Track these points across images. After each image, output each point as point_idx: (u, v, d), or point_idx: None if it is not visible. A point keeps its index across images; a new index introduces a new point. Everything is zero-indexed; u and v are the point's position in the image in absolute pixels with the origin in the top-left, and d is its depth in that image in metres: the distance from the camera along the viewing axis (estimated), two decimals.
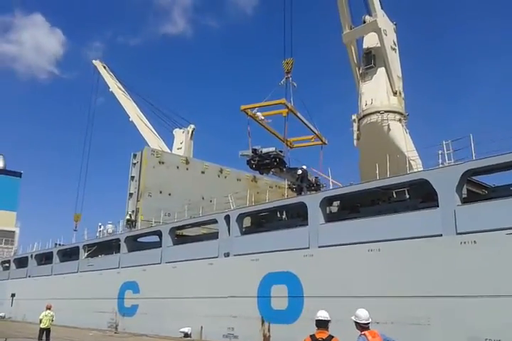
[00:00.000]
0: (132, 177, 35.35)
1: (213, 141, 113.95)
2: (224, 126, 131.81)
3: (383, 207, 20.06)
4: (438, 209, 16.11)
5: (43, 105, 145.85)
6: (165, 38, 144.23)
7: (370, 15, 30.62)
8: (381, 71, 30.73)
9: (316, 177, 26.77)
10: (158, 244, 29.53)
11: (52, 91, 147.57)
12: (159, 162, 36.00)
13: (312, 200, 20.59)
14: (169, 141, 46.05)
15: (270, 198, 25.17)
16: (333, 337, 6.80)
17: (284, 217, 25.87)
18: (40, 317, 20.59)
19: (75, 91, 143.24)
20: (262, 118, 26.54)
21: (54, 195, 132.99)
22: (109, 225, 36.89)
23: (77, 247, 36.39)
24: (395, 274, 16.58)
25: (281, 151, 25.43)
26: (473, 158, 16.03)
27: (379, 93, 30.20)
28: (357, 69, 32.44)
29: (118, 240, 32.22)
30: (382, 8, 30.80)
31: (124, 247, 31.27)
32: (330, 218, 20.57)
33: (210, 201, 28.26)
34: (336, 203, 23.14)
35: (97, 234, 36.65)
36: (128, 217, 33.25)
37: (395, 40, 31.80)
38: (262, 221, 26.86)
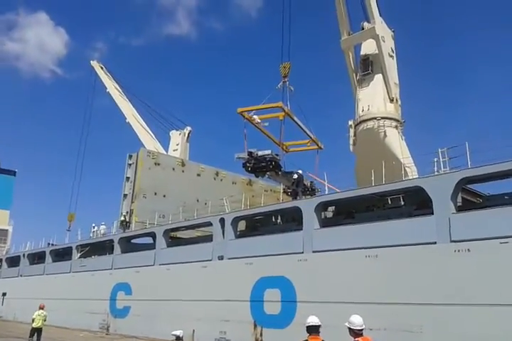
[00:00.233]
0: (127, 178, 35.25)
1: (209, 144, 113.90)
2: (220, 129, 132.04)
3: (378, 214, 20.15)
4: (433, 217, 16.18)
5: (43, 104, 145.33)
6: (168, 39, 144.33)
7: (369, 21, 30.79)
8: (378, 77, 30.86)
9: (312, 182, 26.84)
10: (151, 246, 29.45)
11: (54, 90, 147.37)
12: (155, 163, 35.94)
13: (307, 205, 20.63)
14: (165, 142, 46.07)
15: (265, 202, 25.15)
16: None
17: (278, 221, 25.93)
18: (33, 316, 20.55)
19: (76, 91, 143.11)
20: (259, 121, 26.56)
21: (48, 194, 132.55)
22: (102, 226, 36.78)
23: (70, 247, 36.24)
24: (389, 281, 16.62)
25: (277, 155, 25.47)
26: (469, 166, 16.14)
27: (376, 99, 30.32)
28: (354, 75, 32.55)
29: (111, 241, 32.14)
30: (380, 15, 30.97)
31: (117, 248, 31.17)
32: (325, 223, 20.60)
33: (205, 204, 28.24)
34: (331, 208, 23.23)
35: (91, 235, 36.54)
36: (122, 218, 33.14)
37: (393, 47, 31.96)
38: (256, 225, 26.88)
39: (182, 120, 47.23)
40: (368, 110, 30.25)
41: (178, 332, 23.17)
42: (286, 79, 27.24)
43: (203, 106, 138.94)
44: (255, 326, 20.54)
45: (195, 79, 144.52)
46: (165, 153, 42.95)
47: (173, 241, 29.67)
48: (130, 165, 35.48)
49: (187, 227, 29.09)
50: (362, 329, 7.04)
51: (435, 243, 15.77)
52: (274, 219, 26.08)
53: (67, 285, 34.45)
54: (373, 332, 13.51)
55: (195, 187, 36.54)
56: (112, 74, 50.73)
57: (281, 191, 26.49)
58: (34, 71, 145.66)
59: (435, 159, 17.60)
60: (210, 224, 25.31)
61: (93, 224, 37.23)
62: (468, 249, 14.88)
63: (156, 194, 34.93)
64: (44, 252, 39.55)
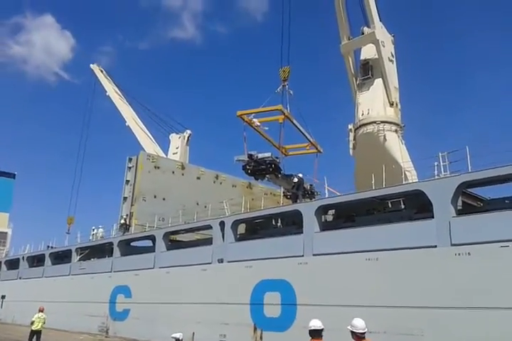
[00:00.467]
0: (127, 182, 35.29)
1: (209, 147, 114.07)
2: (220, 133, 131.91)
3: (378, 217, 20.19)
4: (433, 220, 16.24)
5: (46, 107, 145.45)
6: (173, 43, 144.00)
7: (369, 26, 30.96)
8: (378, 82, 31.00)
9: (311, 185, 26.85)
10: (151, 249, 29.46)
11: (58, 93, 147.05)
12: (155, 167, 35.99)
13: (307, 208, 20.68)
14: (165, 145, 46.19)
15: (265, 205, 25.22)
16: None
17: (279, 224, 25.94)
18: (33, 319, 20.55)
19: (78, 94, 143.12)
20: (258, 124, 26.56)
21: (48, 197, 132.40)
22: (100, 229, 36.75)
23: (70, 250, 36.22)
24: (389, 284, 16.66)
25: (277, 157, 25.49)
26: (469, 170, 16.21)
27: (375, 104, 30.45)
28: (354, 79, 32.69)
29: (111, 244, 32.12)
30: (380, 20, 31.14)
31: (116, 251, 31.14)
32: (325, 226, 20.65)
33: (205, 207, 28.26)
34: (331, 212, 23.26)
35: (90, 238, 36.52)
36: (123, 221, 33.15)
37: (393, 52, 32.12)
38: (256, 228, 26.89)
39: (182, 123, 47.38)
40: (368, 114, 30.38)
41: (178, 335, 22.79)
42: (285, 83, 27.26)
43: (203, 109, 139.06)
44: (255, 329, 20.53)
45: (196, 82, 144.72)
46: (165, 156, 43.06)
47: (173, 244, 29.62)
48: (130, 168, 35.54)
49: (187, 230, 29.11)
50: (364, 333, 7.06)
51: (435, 246, 15.82)
52: (274, 223, 26.09)
53: (67, 288, 34.38)
54: (373, 335, 13.44)
55: (195, 190, 36.59)
56: (111, 77, 51.01)
57: (281, 194, 26.50)
58: (40, 74, 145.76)
59: (436, 163, 17.69)
60: (209, 227, 25.32)
61: (93, 227, 37.21)
62: (469, 253, 14.92)
63: (155, 197, 34.96)
64: (43, 255, 39.49)
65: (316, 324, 7.15)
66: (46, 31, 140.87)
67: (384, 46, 30.52)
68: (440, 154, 17.70)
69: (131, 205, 34.15)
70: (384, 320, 15.95)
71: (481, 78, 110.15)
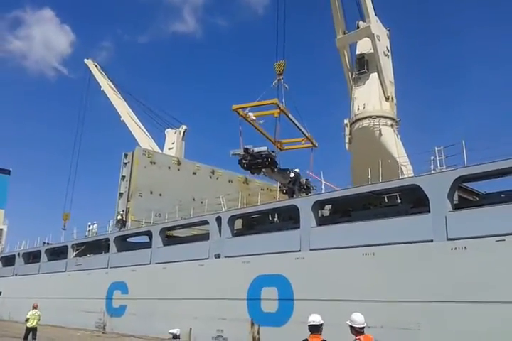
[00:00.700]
0: (123, 177, 35.18)
1: (205, 142, 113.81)
2: (216, 128, 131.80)
3: (375, 212, 20.21)
4: (429, 215, 16.26)
5: (43, 103, 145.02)
6: (173, 37, 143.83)
7: (364, 20, 30.92)
8: (374, 76, 31.00)
9: (307, 180, 26.83)
10: (148, 245, 29.43)
11: (56, 89, 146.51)
12: (150, 162, 35.88)
13: (304, 203, 20.68)
14: (161, 141, 46.10)
15: (262, 200, 25.19)
16: None
17: (275, 219, 25.94)
18: (28, 316, 20.47)
19: (76, 90, 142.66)
20: (254, 118, 26.47)
21: (43, 193, 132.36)
22: (95, 225, 36.67)
23: (66, 246, 36.15)
24: (386, 279, 16.69)
25: (273, 151, 25.43)
26: (465, 164, 16.21)
27: (371, 98, 30.46)
28: (350, 74, 32.69)
29: (107, 240, 32.07)
30: (376, 14, 31.09)
31: (113, 247, 31.10)
32: (321, 221, 20.66)
33: (202, 202, 28.23)
34: (327, 207, 23.26)
35: (86, 234, 36.48)
36: (119, 216, 33.07)
37: (388, 46, 32.11)
38: (253, 223, 26.90)
39: (177, 118, 47.37)
40: (364, 108, 30.41)
41: (175, 331, 23.16)
42: (281, 77, 27.12)
43: (199, 104, 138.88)
44: (252, 324, 20.57)
45: (194, 77, 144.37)
46: (160, 151, 42.96)
47: (170, 240, 29.62)
48: (126, 163, 35.42)
49: (183, 226, 29.03)
50: (363, 327, 7.06)
51: (432, 241, 15.85)
52: (270, 218, 26.09)
53: (63, 284, 34.34)
54: (371, 329, 13.46)
55: (191, 185, 36.50)
56: (106, 72, 50.71)
57: (278, 189, 26.47)
58: (39, 69, 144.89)
59: (432, 157, 17.68)
60: (206, 222, 25.31)
61: (89, 223, 37.18)
62: (465, 247, 14.96)
63: (151, 192, 34.87)
64: (39, 251, 39.41)
65: (315, 319, 7.11)
66: (45, 25, 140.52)
67: (379, 40, 30.50)
68: (436, 149, 17.70)
69: (128, 201, 34.05)
70: (381, 314, 15.96)
71: (477, 73, 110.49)
